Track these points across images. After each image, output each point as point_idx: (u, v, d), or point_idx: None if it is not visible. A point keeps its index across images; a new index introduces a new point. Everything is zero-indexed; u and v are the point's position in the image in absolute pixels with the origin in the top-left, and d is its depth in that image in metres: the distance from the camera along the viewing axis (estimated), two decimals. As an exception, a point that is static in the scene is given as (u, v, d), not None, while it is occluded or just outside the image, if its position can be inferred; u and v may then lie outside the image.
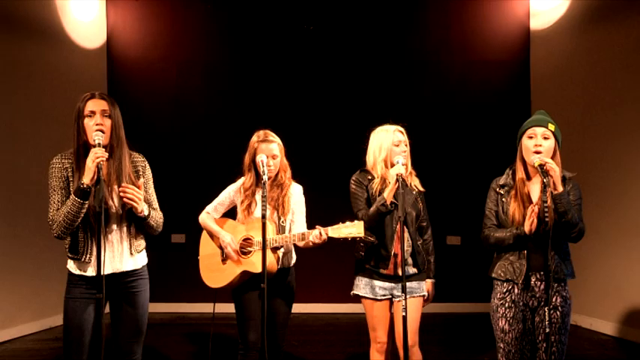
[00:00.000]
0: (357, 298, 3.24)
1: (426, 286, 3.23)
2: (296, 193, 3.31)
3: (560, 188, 2.61)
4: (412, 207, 3.17)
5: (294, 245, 3.30)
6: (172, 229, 5.87)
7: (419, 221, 3.21)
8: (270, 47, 6.13)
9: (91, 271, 2.64)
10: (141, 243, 2.76)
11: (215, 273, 3.29)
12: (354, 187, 3.23)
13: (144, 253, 2.82)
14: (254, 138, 3.26)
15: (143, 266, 2.80)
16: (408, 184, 3.21)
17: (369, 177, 3.21)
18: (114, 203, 2.65)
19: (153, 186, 2.87)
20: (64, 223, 2.55)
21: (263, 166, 3.00)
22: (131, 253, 2.71)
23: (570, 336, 4.76)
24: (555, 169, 2.61)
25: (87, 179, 2.51)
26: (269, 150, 3.19)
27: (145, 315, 2.80)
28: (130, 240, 2.71)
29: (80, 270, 2.65)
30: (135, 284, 2.74)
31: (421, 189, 3.26)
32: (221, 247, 3.27)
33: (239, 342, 3.18)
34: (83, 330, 2.64)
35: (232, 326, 3.24)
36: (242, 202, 3.25)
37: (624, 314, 4.98)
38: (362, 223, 2.98)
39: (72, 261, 2.67)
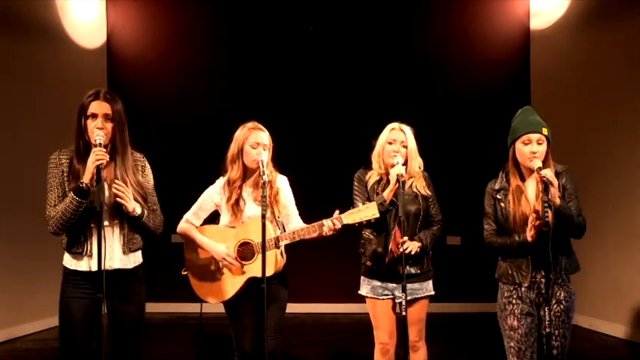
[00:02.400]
0: (363, 298, 3.21)
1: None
2: (283, 185, 3.16)
3: (558, 200, 2.63)
4: (410, 205, 3.12)
5: (286, 246, 3.14)
6: (172, 229, 5.85)
7: (419, 220, 3.16)
8: (270, 47, 6.13)
9: (84, 266, 2.62)
10: (136, 242, 2.72)
11: (214, 286, 3.07)
12: (355, 184, 3.23)
13: (139, 253, 2.76)
14: (242, 128, 3.10)
15: (136, 266, 2.73)
16: (407, 185, 3.14)
17: (369, 172, 3.21)
18: (111, 201, 2.63)
19: (153, 186, 2.81)
20: (61, 220, 2.55)
21: (262, 166, 2.88)
22: (124, 252, 2.67)
23: (570, 336, 4.73)
24: (555, 182, 2.61)
25: (86, 179, 2.50)
26: (261, 138, 3.03)
27: (142, 316, 2.77)
28: (123, 237, 2.67)
29: (74, 265, 2.64)
30: (129, 285, 2.70)
31: (424, 192, 3.16)
32: (213, 257, 3.08)
33: (234, 348, 3.09)
34: (78, 329, 2.61)
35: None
36: (228, 198, 3.05)
37: (624, 314, 4.98)
38: (374, 203, 2.92)
39: (68, 255, 2.66)
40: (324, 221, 2.92)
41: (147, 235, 2.78)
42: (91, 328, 2.63)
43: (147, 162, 2.82)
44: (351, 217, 2.92)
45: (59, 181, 2.63)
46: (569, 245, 2.82)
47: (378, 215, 2.91)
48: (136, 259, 2.75)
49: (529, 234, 2.67)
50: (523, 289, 2.77)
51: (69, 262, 2.67)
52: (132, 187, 2.66)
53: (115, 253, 2.65)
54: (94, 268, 2.59)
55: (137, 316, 2.74)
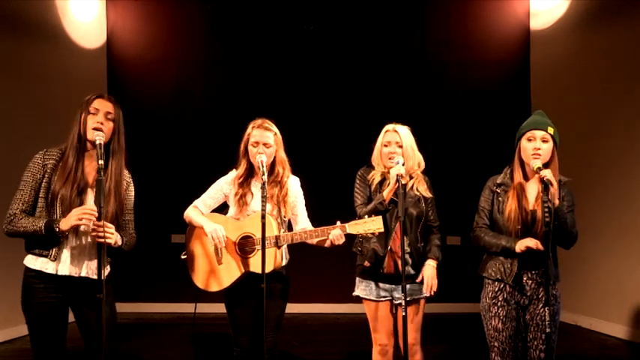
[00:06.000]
0: (359, 299, 3.20)
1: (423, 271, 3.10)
2: (294, 187, 3.17)
3: (557, 202, 2.64)
4: (413, 208, 3.12)
5: (289, 246, 3.15)
6: (172, 229, 5.88)
7: (421, 223, 3.16)
8: (270, 47, 6.14)
9: (51, 269, 2.57)
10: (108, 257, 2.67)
11: (212, 274, 3.07)
12: (357, 182, 3.22)
13: (107, 266, 2.71)
14: (250, 124, 3.13)
15: (106, 275, 2.65)
16: (408, 187, 3.15)
17: (373, 171, 3.20)
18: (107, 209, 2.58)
19: (132, 206, 2.77)
20: (18, 234, 2.59)
21: (262, 167, 2.90)
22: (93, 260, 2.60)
23: (570, 336, 4.76)
24: (554, 182, 2.62)
25: (64, 227, 2.48)
26: (261, 137, 3.04)
27: (114, 318, 2.70)
28: (95, 249, 2.58)
29: (39, 266, 2.58)
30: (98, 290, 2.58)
31: (426, 195, 3.16)
32: (214, 246, 3.04)
33: (232, 344, 3.10)
34: (50, 337, 2.58)
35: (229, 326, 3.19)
36: (236, 193, 3.07)
37: (624, 314, 4.98)
38: (380, 218, 2.90)
39: (32, 255, 2.62)
40: (329, 231, 2.91)
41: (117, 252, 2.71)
42: (63, 331, 2.61)
43: (132, 181, 2.79)
44: (355, 227, 2.91)
45: (34, 184, 2.62)
46: (555, 253, 2.83)
47: (382, 230, 2.89)
48: (105, 270, 2.66)
49: (519, 247, 2.68)
50: (508, 289, 2.78)
51: (32, 262, 2.62)
52: (115, 198, 2.62)
53: (85, 263, 2.60)
54: (61, 272, 2.55)
55: (110, 318, 2.63)
